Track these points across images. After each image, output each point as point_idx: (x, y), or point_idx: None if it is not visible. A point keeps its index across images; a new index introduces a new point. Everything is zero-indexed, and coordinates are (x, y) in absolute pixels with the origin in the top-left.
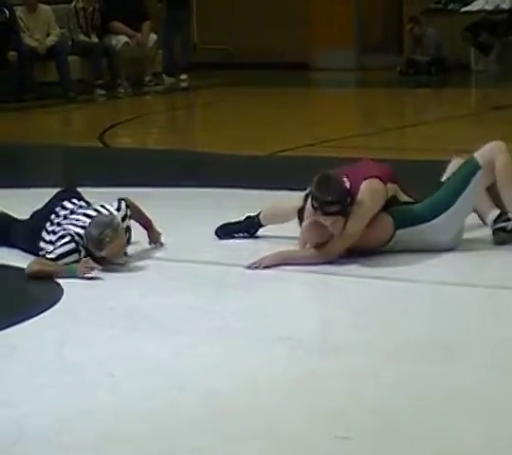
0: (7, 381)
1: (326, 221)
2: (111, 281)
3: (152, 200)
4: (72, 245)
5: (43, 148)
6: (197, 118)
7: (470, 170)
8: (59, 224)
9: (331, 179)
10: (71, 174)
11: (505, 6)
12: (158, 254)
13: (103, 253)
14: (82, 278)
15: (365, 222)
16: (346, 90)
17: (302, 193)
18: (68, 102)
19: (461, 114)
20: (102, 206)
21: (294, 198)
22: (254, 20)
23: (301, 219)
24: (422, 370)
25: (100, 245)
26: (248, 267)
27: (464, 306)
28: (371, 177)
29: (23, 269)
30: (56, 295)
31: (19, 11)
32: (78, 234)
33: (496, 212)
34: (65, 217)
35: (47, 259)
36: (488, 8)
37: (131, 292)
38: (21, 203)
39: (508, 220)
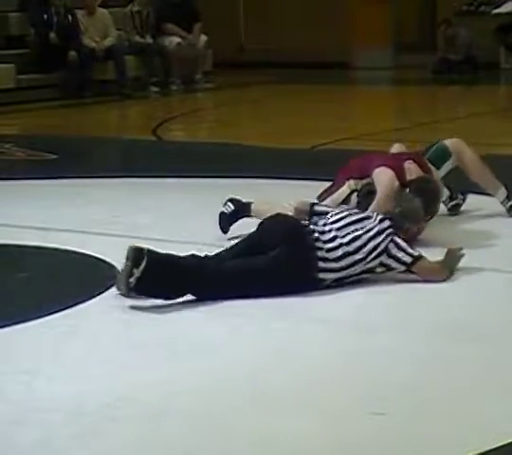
0: (67, 358)
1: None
2: None
3: (201, 190)
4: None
5: (101, 141)
6: (244, 114)
7: (443, 156)
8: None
9: (437, 192)
10: (128, 165)
11: None
12: (209, 240)
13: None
14: None
15: None
16: (383, 87)
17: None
18: (124, 99)
19: (490, 110)
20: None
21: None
22: (297, 21)
23: None
24: (450, 349)
25: (419, 217)
26: None
27: (494, 290)
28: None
29: (82, 253)
30: (113, 278)
31: (79, 15)
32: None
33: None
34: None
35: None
36: None
37: None
38: (91, 192)
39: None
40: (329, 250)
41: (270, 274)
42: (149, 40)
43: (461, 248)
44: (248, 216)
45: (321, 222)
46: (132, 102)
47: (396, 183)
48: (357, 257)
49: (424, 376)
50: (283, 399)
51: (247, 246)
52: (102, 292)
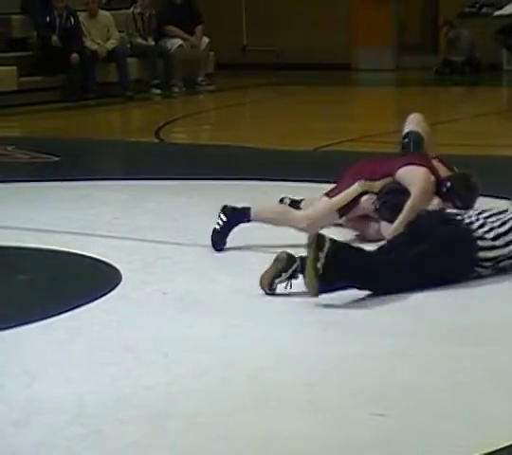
0: (70, 360)
1: None
2: (165, 267)
3: (203, 192)
4: None
5: (103, 143)
6: (246, 116)
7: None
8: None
9: (476, 185)
10: (130, 167)
11: None
12: (209, 242)
13: None
14: None
15: None
16: (385, 89)
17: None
18: (127, 101)
19: (493, 111)
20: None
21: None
22: (299, 23)
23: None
24: (455, 351)
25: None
26: None
27: (496, 291)
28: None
29: (83, 255)
30: (115, 280)
31: (81, 17)
32: None
33: None
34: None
35: None
36: None
37: (183, 277)
38: (92, 194)
39: None
40: (483, 232)
41: (436, 257)
42: (151, 42)
43: None
44: (247, 221)
45: (465, 215)
46: (134, 105)
47: (432, 178)
48: (510, 238)
49: (426, 377)
50: (285, 400)
51: (408, 237)
52: (104, 294)
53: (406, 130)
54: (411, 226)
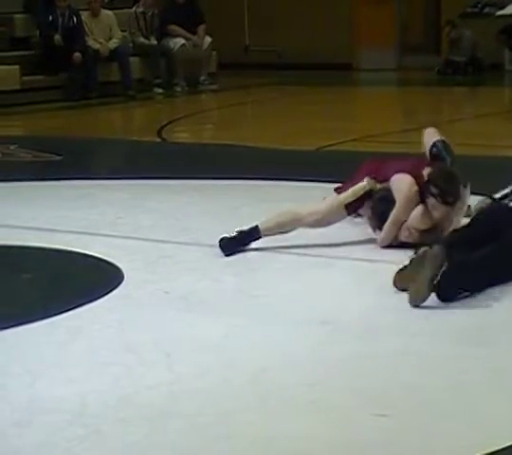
0: (72, 359)
1: (441, 209)
2: (167, 266)
3: (205, 191)
4: None
5: (106, 142)
6: (248, 115)
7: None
8: None
9: (454, 174)
10: (133, 166)
11: None
12: (212, 241)
13: None
14: None
15: None
16: (387, 89)
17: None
18: (129, 100)
19: (495, 111)
20: None
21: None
22: (301, 23)
23: (351, 213)
24: (457, 351)
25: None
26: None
27: (497, 291)
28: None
29: (86, 254)
30: (117, 279)
31: (84, 16)
32: None
33: None
34: None
35: None
36: None
37: (185, 277)
38: (95, 194)
39: None
40: None
41: (507, 256)
42: (153, 41)
43: None
44: (258, 238)
45: None
46: (136, 104)
47: (415, 188)
48: None
49: (428, 378)
50: (287, 400)
51: (479, 233)
52: (106, 293)
53: (431, 142)
54: (481, 225)
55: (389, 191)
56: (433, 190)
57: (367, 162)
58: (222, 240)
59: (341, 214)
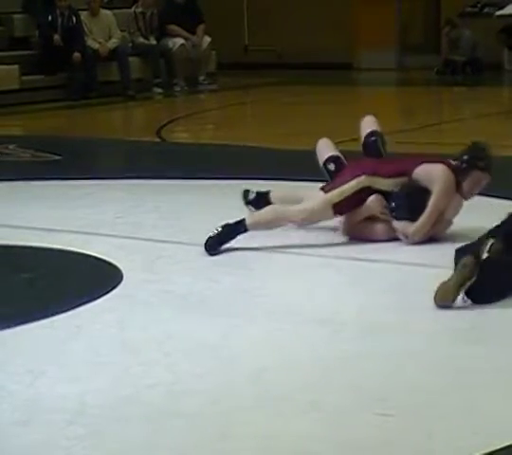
0: (72, 359)
1: (487, 180)
2: (166, 266)
3: (205, 191)
4: None
5: (105, 142)
6: (248, 115)
7: None
8: None
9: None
10: (132, 166)
11: None
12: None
13: None
14: None
15: None
16: (387, 89)
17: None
18: (128, 100)
19: (495, 111)
20: None
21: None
22: (301, 23)
23: (339, 213)
24: (458, 351)
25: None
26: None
27: None
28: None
29: (85, 254)
30: (116, 279)
31: (83, 16)
32: None
33: None
34: None
35: None
36: None
37: (184, 276)
38: (94, 193)
39: None
40: None
41: None
42: (153, 41)
43: None
44: (244, 231)
45: None
46: (136, 104)
47: (452, 174)
48: None
49: (429, 378)
50: (286, 399)
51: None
52: (106, 293)
53: (367, 130)
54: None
55: (414, 183)
56: (480, 163)
57: (352, 163)
58: (207, 241)
59: (329, 214)
